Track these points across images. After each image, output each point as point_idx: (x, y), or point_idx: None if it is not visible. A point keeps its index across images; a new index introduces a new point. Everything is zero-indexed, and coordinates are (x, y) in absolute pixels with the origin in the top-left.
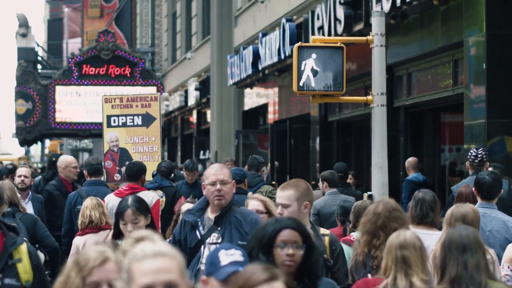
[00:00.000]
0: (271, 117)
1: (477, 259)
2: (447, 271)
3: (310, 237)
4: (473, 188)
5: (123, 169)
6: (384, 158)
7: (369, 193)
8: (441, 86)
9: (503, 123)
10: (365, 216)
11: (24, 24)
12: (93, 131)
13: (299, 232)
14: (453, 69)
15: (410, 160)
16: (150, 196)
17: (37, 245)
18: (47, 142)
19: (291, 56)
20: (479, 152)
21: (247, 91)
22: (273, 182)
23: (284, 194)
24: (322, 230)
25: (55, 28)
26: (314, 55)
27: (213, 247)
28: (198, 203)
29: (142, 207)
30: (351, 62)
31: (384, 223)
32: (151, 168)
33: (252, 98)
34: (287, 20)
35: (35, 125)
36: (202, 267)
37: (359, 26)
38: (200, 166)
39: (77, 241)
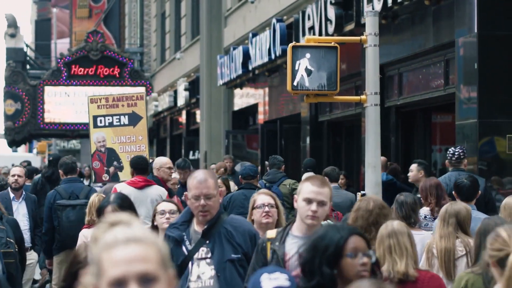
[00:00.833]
0: (261, 117)
1: None
2: (480, 256)
3: (369, 241)
4: (453, 192)
5: (111, 169)
6: (377, 158)
7: (362, 192)
8: (433, 86)
9: (495, 123)
10: (356, 212)
11: (12, 24)
12: (81, 132)
13: (364, 238)
14: (444, 69)
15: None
16: (160, 192)
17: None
18: (34, 142)
19: (281, 56)
20: (457, 151)
21: (237, 91)
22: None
23: (325, 190)
24: None
25: (42, 28)
26: (308, 55)
27: (202, 262)
28: (182, 216)
29: (125, 204)
30: (342, 62)
31: (375, 219)
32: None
33: (242, 98)
34: (278, 21)
35: (24, 125)
36: (192, 285)
37: (350, 26)
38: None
39: (85, 233)
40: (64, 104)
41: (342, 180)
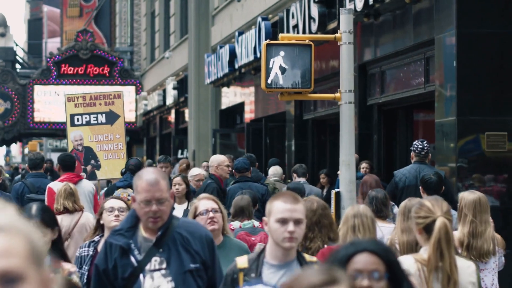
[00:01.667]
0: (248, 116)
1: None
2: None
3: (398, 264)
4: (420, 187)
5: (89, 167)
6: (351, 156)
7: (336, 190)
8: (413, 84)
9: (474, 121)
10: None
11: (2, 23)
12: None
13: (380, 257)
14: (424, 67)
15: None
16: (91, 185)
17: None
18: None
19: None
20: (425, 145)
21: (224, 90)
22: None
23: (299, 207)
24: (308, 257)
25: (35, 27)
26: (282, 53)
27: (156, 274)
28: (126, 220)
29: (47, 217)
30: (326, 60)
31: (318, 219)
32: (117, 165)
33: (229, 97)
34: (263, 19)
35: (14, 124)
36: None
37: (333, 25)
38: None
39: None
40: (53, 103)
41: (324, 179)
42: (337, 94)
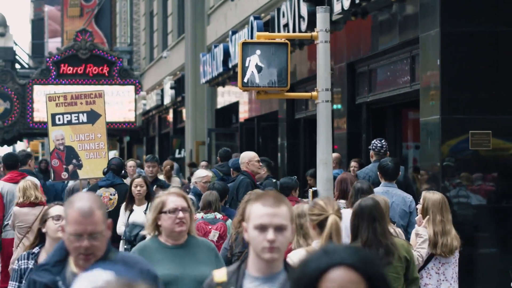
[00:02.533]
0: (242, 115)
1: (384, 226)
2: (359, 235)
3: (384, 279)
4: (378, 172)
5: (70, 167)
6: (329, 154)
7: (314, 188)
8: (400, 82)
9: (458, 119)
10: (244, 204)
11: (2, 23)
12: None
13: (361, 272)
14: (410, 65)
15: (334, 155)
16: (35, 181)
17: None
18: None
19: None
20: (384, 144)
21: (220, 89)
22: None
23: (282, 210)
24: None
25: (38, 27)
26: (258, 51)
27: None
28: (54, 253)
29: None
30: (309, 60)
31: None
32: (99, 165)
33: (224, 96)
34: (255, 18)
35: (13, 124)
36: None
37: None
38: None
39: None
40: None
41: (311, 181)
42: (314, 93)
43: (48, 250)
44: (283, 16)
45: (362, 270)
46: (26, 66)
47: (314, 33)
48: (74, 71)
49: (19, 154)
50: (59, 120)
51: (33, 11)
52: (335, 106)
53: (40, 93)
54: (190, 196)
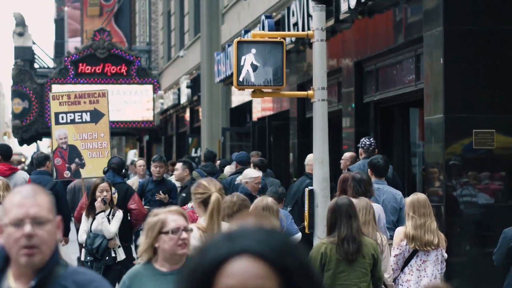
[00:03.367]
0: (255, 114)
1: (358, 224)
2: (336, 230)
3: (306, 272)
4: (368, 169)
5: (73, 166)
6: (325, 153)
7: (310, 188)
8: (405, 81)
9: (461, 118)
10: (224, 204)
11: (21, 23)
12: None
13: (271, 263)
14: (415, 64)
15: (347, 155)
16: (24, 176)
17: None
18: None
19: None
20: (372, 142)
21: (234, 88)
22: None
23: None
24: None
25: (60, 27)
26: (254, 50)
27: None
28: None
29: None
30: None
31: (239, 208)
32: (102, 164)
33: (239, 95)
34: (266, 17)
35: (32, 124)
36: None
37: (330, 22)
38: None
39: None
40: None
41: None
42: (310, 92)
43: None
44: (293, 15)
45: (273, 261)
46: (45, 65)
47: (310, 32)
48: (92, 70)
49: (38, 156)
50: (62, 119)
51: (55, 11)
52: (343, 105)
53: None
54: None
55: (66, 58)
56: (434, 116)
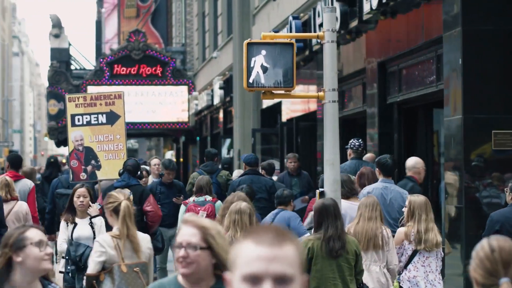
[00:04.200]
0: (285, 115)
1: (341, 223)
2: (323, 229)
3: None
4: (376, 168)
5: (89, 168)
6: (336, 155)
7: (321, 189)
8: (427, 82)
9: (480, 119)
10: (225, 203)
11: (57, 24)
12: (129, 131)
13: None
14: (436, 65)
15: (368, 156)
16: (28, 183)
17: None
18: None
19: (297, 54)
20: (361, 143)
21: None
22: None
23: (284, 253)
24: None
25: (101, 29)
26: (263, 52)
27: None
28: None
29: None
30: (347, 59)
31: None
32: (118, 166)
33: None
34: (294, 18)
35: (67, 125)
36: None
37: (354, 23)
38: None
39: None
40: None
41: None
42: (320, 93)
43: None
44: (319, 15)
45: None
46: (80, 67)
47: (320, 33)
48: (128, 71)
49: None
50: (78, 121)
51: (96, 13)
52: (367, 106)
53: None
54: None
55: (101, 60)
56: (453, 117)
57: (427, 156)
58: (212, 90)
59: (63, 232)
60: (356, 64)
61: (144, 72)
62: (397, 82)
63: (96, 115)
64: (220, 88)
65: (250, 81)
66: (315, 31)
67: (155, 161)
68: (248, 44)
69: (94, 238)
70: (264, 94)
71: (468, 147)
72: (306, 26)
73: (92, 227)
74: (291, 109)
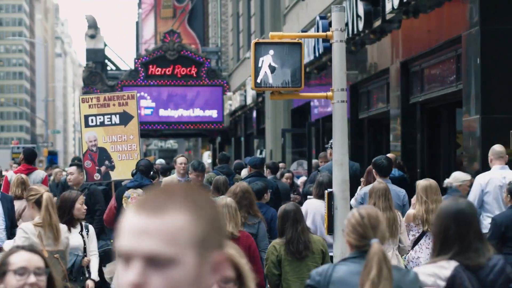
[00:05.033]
0: (314, 115)
1: (303, 226)
2: (286, 233)
3: None
4: (373, 169)
5: (103, 168)
6: (344, 155)
7: (329, 190)
8: (448, 82)
9: (498, 119)
10: (228, 194)
11: (93, 25)
12: (165, 132)
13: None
14: (456, 64)
15: (389, 155)
16: (41, 174)
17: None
18: None
19: (325, 53)
20: None
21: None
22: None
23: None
24: None
25: (139, 30)
26: (271, 52)
27: None
28: None
29: None
30: (372, 58)
31: (239, 200)
32: (131, 166)
33: None
34: (321, 18)
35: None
36: None
37: (378, 22)
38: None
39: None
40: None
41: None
42: (329, 93)
43: None
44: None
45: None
46: (119, 67)
47: (329, 33)
48: (162, 72)
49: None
50: (92, 122)
51: (137, 14)
52: (390, 107)
53: None
54: None
55: (136, 60)
56: (471, 117)
57: (450, 156)
58: (245, 91)
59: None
60: (381, 64)
61: (179, 73)
62: (420, 82)
63: (109, 116)
64: (253, 88)
65: (258, 81)
66: (342, 31)
67: (181, 159)
68: (256, 44)
69: (85, 247)
70: (272, 94)
71: (486, 147)
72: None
73: (83, 236)
74: (319, 109)
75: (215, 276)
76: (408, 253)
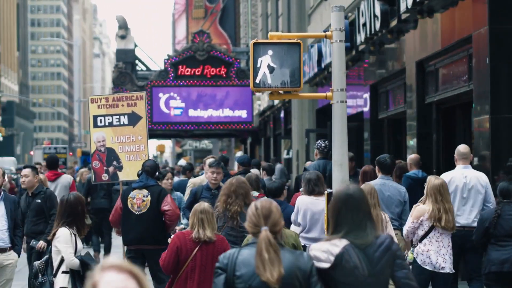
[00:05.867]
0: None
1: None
2: None
3: None
4: (376, 167)
5: (111, 169)
6: (344, 155)
7: (329, 190)
8: (460, 81)
9: (508, 118)
10: (224, 185)
11: (123, 26)
12: (195, 132)
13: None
14: (468, 64)
15: (412, 157)
16: (68, 179)
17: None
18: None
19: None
20: (327, 144)
21: (320, 89)
22: None
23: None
24: None
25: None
26: (270, 52)
27: None
28: None
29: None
30: (389, 59)
31: (235, 189)
32: (139, 167)
33: None
34: None
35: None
36: None
37: (394, 22)
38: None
39: None
40: (172, 104)
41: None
42: (329, 93)
43: None
44: (362, 15)
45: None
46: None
47: (328, 33)
48: (192, 72)
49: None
50: (100, 122)
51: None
52: (406, 107)
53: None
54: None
55: (166, 61)
56: (481, 117)
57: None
58: None
59: (71, 246)
60: (397, 64)
61: (209, 73)
62: (435, 82)
63: (118, 116)
64: (252, 88)
65: (257, 81)
66: (358, 32)
67: (210, 161)
68: (255, 44)
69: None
70: (271, 95)
71: (496, 146)
72: (353, 25)
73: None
74: None
75: None
76: (417, 246)
